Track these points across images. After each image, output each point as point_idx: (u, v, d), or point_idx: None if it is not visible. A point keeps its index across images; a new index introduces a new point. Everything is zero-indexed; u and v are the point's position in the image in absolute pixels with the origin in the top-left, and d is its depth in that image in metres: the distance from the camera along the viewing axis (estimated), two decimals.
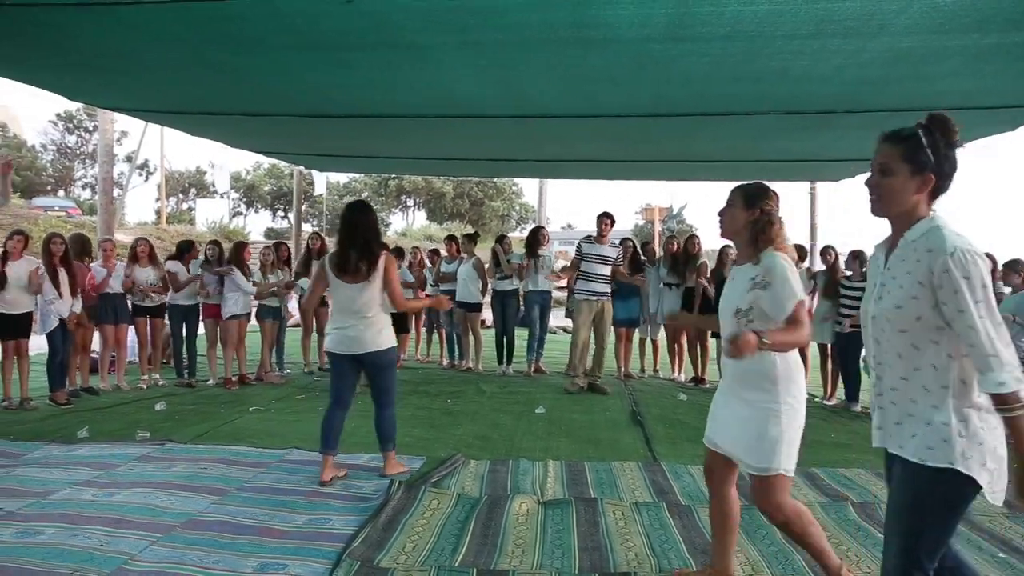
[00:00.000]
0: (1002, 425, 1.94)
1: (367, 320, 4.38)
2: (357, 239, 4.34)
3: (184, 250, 7.92)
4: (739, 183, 2.90)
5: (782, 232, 2.81)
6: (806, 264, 8.09)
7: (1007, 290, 6.23)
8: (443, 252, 9.81)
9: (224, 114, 7.70)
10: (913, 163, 2.05)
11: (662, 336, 9.07)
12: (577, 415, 6.59)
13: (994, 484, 1.96)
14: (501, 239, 9.38)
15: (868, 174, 2.17)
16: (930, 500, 2.00)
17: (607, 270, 7.62)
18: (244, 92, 6.68)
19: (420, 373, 8.87)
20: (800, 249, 8.10)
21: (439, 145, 9.36)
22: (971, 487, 1.96)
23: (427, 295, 9.20)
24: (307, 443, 5.32)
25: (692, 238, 8.63)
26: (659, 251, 9.41)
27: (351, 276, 4.34)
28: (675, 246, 8.67)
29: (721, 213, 2.93)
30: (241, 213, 45.07)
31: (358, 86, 6.25)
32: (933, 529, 2.02)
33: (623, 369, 8.81)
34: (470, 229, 21.48)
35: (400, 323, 9.23)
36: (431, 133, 8.18)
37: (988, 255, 2.82)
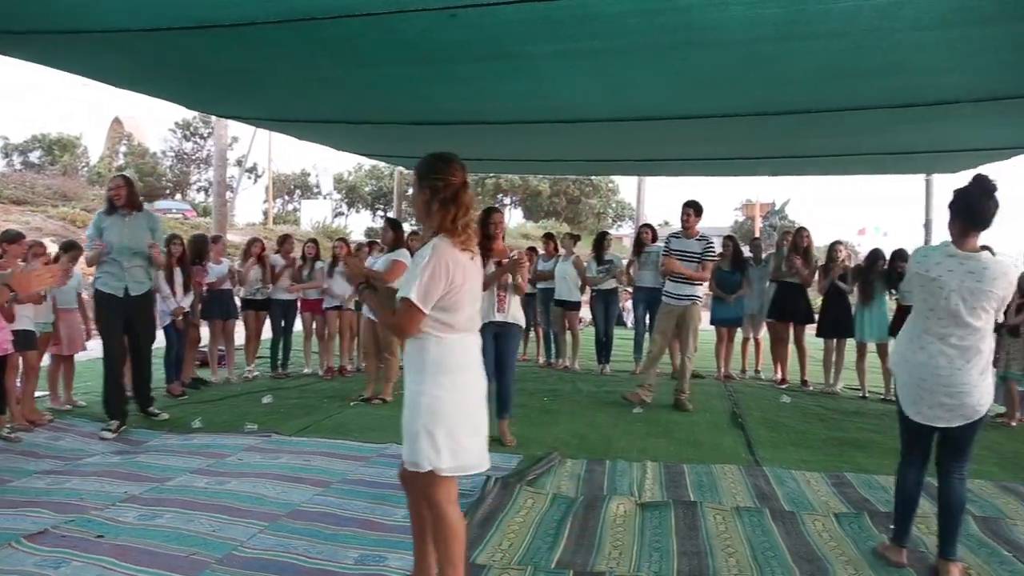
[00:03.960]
0: None
1: None
2: None
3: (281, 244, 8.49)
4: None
5: (459, 214, 2.57)
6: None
7: None
8: (540, 250, 9.77)
9: (332, 122, 7.95)
10: None
11: (765, 336, 8.75)
12: (676, 416, 6.45)
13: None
14: (602, 237, 9.22)
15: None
16: None
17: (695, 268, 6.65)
18: (353, 102, 6.88)
19: (517, 371, 8.83)
20: (902, 253, 7.46)
21: (538, 147, 9.37)
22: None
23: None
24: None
25: (801, 232, 8.22)
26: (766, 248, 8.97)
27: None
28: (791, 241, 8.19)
29: (412, 199, 2.82)
30: (343, 213, 46.43)
31: (463, 96, 6.34)
32: None
33: (723, 370, 8.57)
34: (566, 227, 21.34)
35: None
36: (531, 136, 8.19)
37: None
